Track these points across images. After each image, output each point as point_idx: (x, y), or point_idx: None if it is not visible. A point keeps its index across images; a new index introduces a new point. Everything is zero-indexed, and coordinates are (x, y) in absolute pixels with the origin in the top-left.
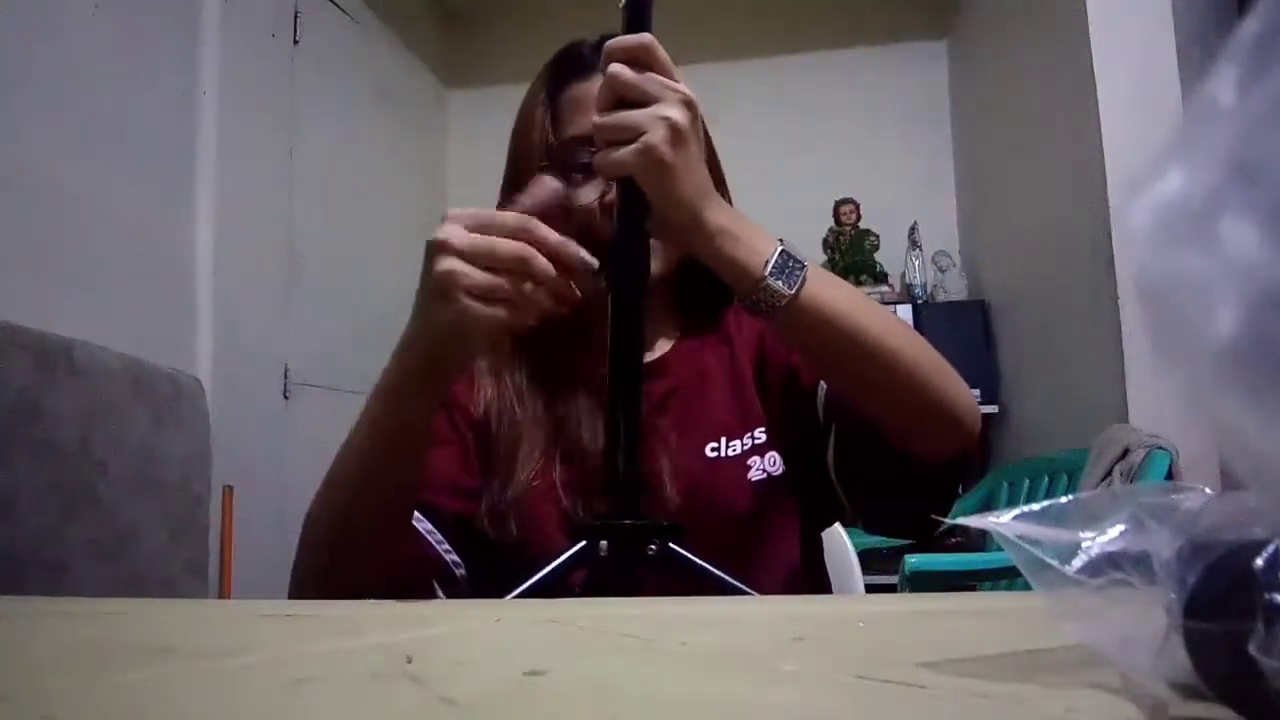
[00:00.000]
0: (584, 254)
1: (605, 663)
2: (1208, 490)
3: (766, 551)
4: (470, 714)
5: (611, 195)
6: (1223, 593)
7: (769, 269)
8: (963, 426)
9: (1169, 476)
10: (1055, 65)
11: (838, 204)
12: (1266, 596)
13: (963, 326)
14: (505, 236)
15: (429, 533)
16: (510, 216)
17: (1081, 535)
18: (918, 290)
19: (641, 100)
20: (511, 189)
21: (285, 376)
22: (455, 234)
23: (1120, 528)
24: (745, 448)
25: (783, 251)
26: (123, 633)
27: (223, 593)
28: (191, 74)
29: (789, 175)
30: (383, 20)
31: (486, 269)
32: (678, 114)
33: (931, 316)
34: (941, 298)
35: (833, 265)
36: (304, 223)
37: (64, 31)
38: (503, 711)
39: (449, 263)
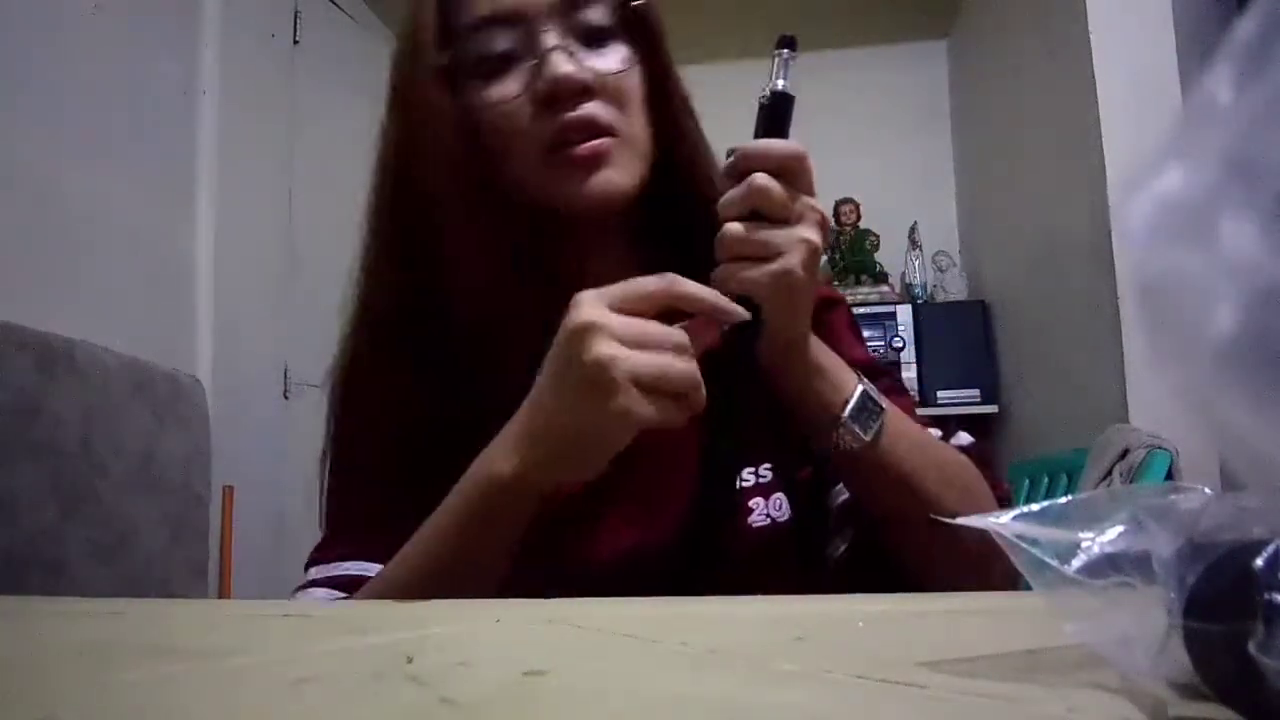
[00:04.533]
0: (735, 307)
1: (605, 663)
2: (1208, 490)
3: None
4: (470, 714)
5: (539, 85)
6: (1223, 593)
7: (848, 410)
8: (987, 581)
9: (1169, 476)
10: (1055, 65)
11: (838, 204)
12: (1266, 596)
13: (963, 326)
14: (652, 301)
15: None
16: (651, 282)
17: (1081, 535)
18: (918, 290)
19: (784, 219)
20: (397, 110)
21: (285, 376)
22: (605, 315)
23: (1120, 528)
24: (746, 485)
25: (864, 391)
26: (123, 633)
27: (223, 593)
28: (191, 74)
29: None
30: (383, 20)
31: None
32: (817, 238)
33: (931, 316)
34: (941, 298)
35: (833, 265)
36: (304, 223)
37: (64, 32)
38: (503, 711)
39: (609, 347)
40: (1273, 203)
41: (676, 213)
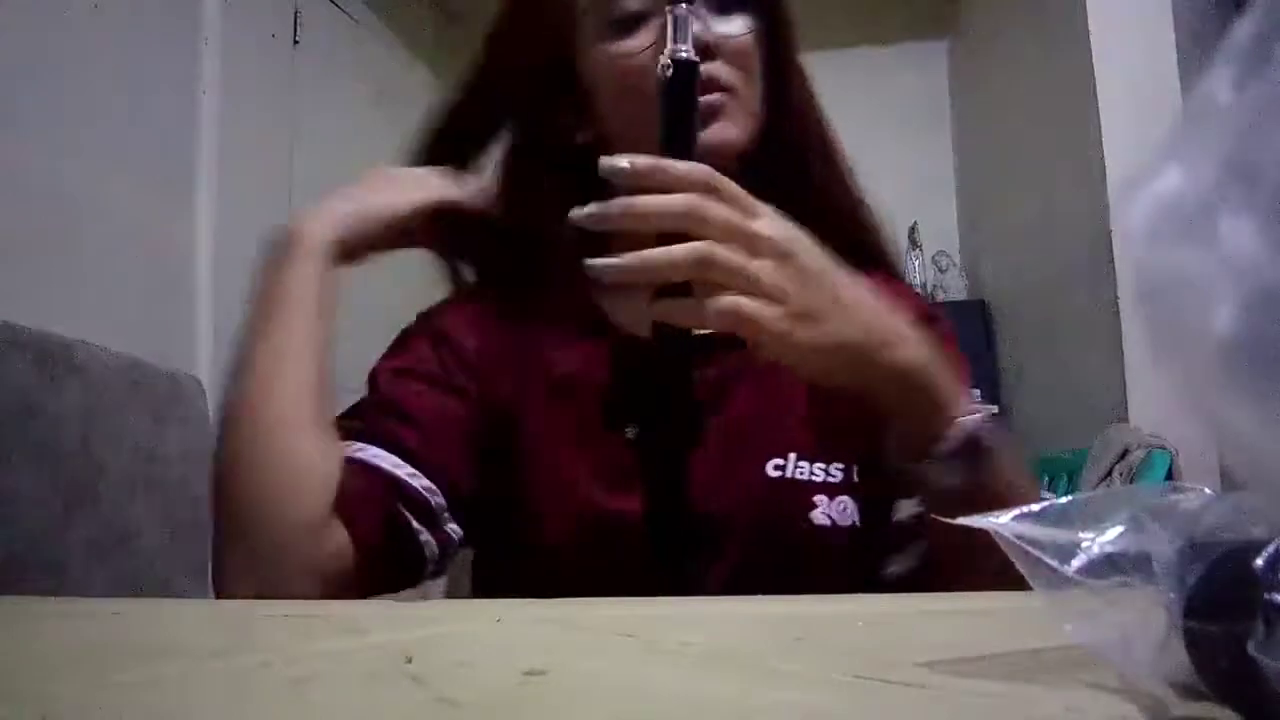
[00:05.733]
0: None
1: (605, 663)
2: (1208, 490)
3: None
4: (470, 714)
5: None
6: (1223, 593)
7: (948, 446)
8: None
9: (1169, 476)
10: (1055, 65)
11: None
12: (1266, 596)
13: (963, 326)
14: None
15: (392, 463)
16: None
17: (1081, 535)
18: (918, 290)
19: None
20: (543, 45)
21: None
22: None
23: (1120, 528)
24: (815, 480)
25: (969, 429)
26: (123, 633)
27: None
28: (191, 74)
29: None
30: (383, 20)
31: None
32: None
33: None
34: (941, 298)
35: None
36: None
37: (64, 31)
38: (503, 711)
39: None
40: (1273, 203)
41: (775, 174)
